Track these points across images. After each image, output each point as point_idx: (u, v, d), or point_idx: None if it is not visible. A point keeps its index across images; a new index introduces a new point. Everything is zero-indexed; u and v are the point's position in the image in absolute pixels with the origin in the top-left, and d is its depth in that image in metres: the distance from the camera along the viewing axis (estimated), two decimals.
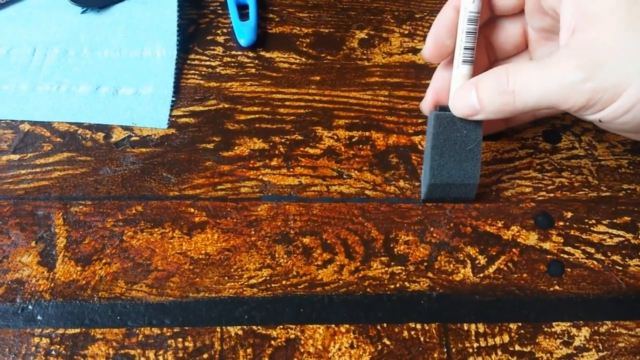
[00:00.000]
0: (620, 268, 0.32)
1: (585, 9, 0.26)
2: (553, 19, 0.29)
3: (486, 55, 0.33)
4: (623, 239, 0.33)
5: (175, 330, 0.28)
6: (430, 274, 0.31)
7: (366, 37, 0.39)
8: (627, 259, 0.32)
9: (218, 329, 0.28)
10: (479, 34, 0.31)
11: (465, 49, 0.30)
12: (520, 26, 0.32)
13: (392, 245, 0.32)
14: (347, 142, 0.35)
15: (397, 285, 0.31)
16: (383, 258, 0.31)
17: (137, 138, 0.34)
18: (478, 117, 0.30)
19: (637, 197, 0.34)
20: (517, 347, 0.29)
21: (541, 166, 0.35)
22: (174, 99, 0.35)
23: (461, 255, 0.32)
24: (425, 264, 0.31)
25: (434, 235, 0.32)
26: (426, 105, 0.33)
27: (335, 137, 0.35)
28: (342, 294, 0.30)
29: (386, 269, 0.31)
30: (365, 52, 0.39)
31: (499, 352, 0.29)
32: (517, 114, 0.29)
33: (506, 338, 0.29)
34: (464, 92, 0.30)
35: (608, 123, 0.27)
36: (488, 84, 0.29)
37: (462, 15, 0.30)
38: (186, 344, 0.28)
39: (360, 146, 0.35)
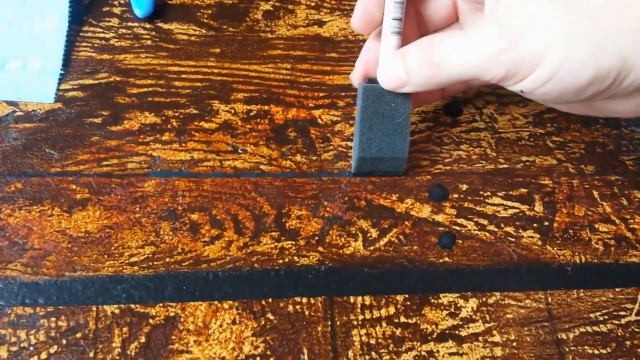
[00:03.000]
0: (513, 240, 0.32)
1: None
2: None
3: (417, 26, 0.32)
4: (518, 210, 0.33)
5: (48, 309, 0.27)
6: (320, 248, 0.31)
7: (271, 8, 0.38)
8: (520, 231, 0.32)
9: (94, 308, 0.28)
10: (408, 4, 0.30)
11: (393, 19, 0.29)
12: None
13: (283, 220, 0.31)
14: (245, 116, 0.34)
15: (286, 260, 0.30)
16: (274, 233, 0.31)
17: (22, 113, 0.32)
18: (405, 89, 0.29)
19: (535, 169, 0.34)
20: (402, 319, 0.29)
21: (440, 139, 0.34)
22: (62, 72, 0.34)
23: (353, 228, 0.31)
24: (317, 238, 0.31)
25: (328, 209, 0.32)
26: (355, 77, 0.32)
27: (233, 111, 0.34)
28: (228, 270, 0.29)
29: (276, 244, 0.30)
30: (269, 24, 0.38)
31: (384, 324, 0.29)
32: (443, 85, 0.28)
33: (392, 310, 0.29)
34: (391, 64, 0.29)
35: (530, 93, 0.27)
36: (414, 56, 0.28)
37: None
38: (59, 323, 0.27)
39: (258, 120, 0.34)
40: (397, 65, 0.29)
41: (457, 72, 0.27)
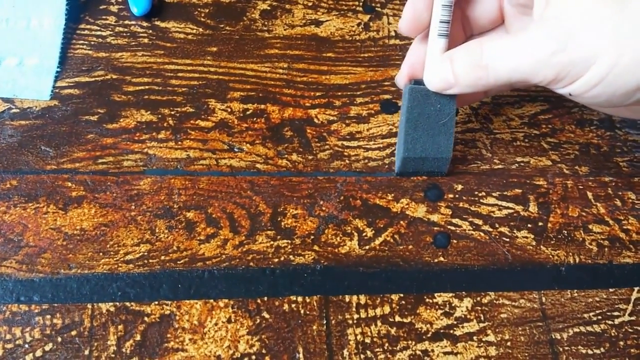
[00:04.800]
0: (508, 240, 0.32)
1: None
2: None
3: (462, 29, 0.33)
4: (512, 210, 0.33)
5: (44, 307, 0.27)
6: (316, 247, 0.31)
7: (268, 8, 0.38)
8: (515, 231, 0.32)
9: (89, 306, 0.28)
10: (455, 7, 0.30)
11: (441, 22, 0.30)
12: (497, 0, 0.32)
13: (279, 219, 0.31)
14: (241, 114, 0.34)
15: (282, 259, 0.30)
16: (269, 232, 0.31)
17: (18, 110, 0.32)
18: (452, 90, 0.29)
19: (530, 170, 0.34)
20: (397, 318, 0.29)
21: None
22: (59, 69, 0.34)
23: (349, 228, 0.31)
24: (312, 237, 0.31)
25: (323, 208, 0.32)
26: (401, 79, 0.33)
27: (229, 110, 0.34)
28: (223, 268, 0.29)
29: (272, 242, 0.30)
30: (266, 23, 0.38)
31: (379, 323, 0.29)
32: (491, 87, 0.29)
33: (387, 309, 0.29)
34: (439, 66, 0.29)
35: (579, 97, 0.27)
36: (462, 58, 0.28)
37: None
38: (54, 320, 0.27)
39: (255, 119, 0.34)
40: (445, 68, 0.29)
41: (505, 74, 0.27)
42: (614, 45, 0.24)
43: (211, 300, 0.29)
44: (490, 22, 0.33)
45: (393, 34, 0.39)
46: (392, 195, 0.33)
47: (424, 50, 0.31)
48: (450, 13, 0.30)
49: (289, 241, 0.31)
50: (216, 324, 0.28)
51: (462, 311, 0.30)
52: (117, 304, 0.28)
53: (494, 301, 0.30)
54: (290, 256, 0.30)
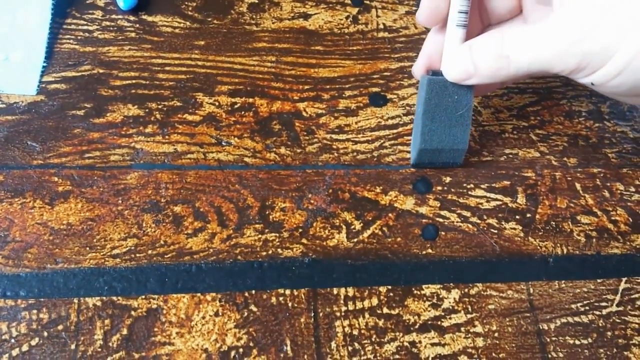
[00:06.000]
0: (496, 231, 0.32)
1: None
2: None
3: (479, 19, 0.32)
4: (501, 202, 0.33)
5: (30, 302, 0.27)
6: (304, 240, 0.31)
7: (256, 1, 0.38)
8: (503, 223, 0.32)
9: (75, 300, 0.28)
10: None
11: (459, 12, 0.30)
12: None
13: (267, 213, 0.31)
14: (229, 108, 0.34)
15: (270, 252, 0.30)
16: (257, 225, 0.31)
17: (4, 106, 0.32)
18: (471, 81, 0.29)
19: (519, 162, 0.34)
20: (385, 310, 0.29)
21: None
22: (45, 64, 0.34)
23: (337, 221, 0.31)
24: (300, 230, 0.31)
25: (312, 201, 0.32)
26: (418, 69, 0.32)
27: (217, 104, 0.34)
28: (211, 262, 0.29)
29: (260, 236, 0.30)
30: (254, 16, 0.38)
31: (367, 315, 0.29)
32: (511, 77, 0.28)
33: (375, 301, 0.29)
34: (458, 56, 0.29)
35: (600, 86, 0.27)
36: (483, 48, 0.28)
37: None
38: (41, 315, 0.27)
39: (243, 113, 0.34)
40: (464, 58, 0.29)
41: (527, 64, 0.27)
42: (635, 34, 0.24)
43: (198, 294, 0.28)
44: (509, 12, 0.32)
45: (382, 26, 0.38)
46: (381, 187, 0.33)
47: (441, 40, 0.31)
48: (469, 3, 0.30)
49: (277, 234, 0.31)
50: (203, 318, 0.28)
51: (449, 302, 0.30)
52: (104, 298, 0.28)
53: (482, 292, 0.30)
54: (279, 249, 0.30)
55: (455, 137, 0.31)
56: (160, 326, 0.27)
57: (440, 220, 0.32)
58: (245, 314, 0.28)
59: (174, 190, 0.31)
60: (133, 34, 0.36)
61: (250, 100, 0.35)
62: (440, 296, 0.30)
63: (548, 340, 0.29)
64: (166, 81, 0.34)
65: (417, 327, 0.29)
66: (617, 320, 0.30)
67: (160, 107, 0.33)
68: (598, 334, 0.30)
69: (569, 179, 0.34)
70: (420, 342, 0.28)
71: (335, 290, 0.29)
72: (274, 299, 0.29)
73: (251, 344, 0.28)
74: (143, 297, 0.28)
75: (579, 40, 0.25)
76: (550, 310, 0.30)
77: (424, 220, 0.32)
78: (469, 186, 0.33)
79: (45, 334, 0.27)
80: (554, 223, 0.33)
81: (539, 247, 0.32)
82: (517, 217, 0.33)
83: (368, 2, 0.39)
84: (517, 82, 0.37)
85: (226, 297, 0.29)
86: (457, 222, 0.32)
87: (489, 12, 0.33)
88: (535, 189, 0.34)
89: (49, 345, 0.26)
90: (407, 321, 0.29)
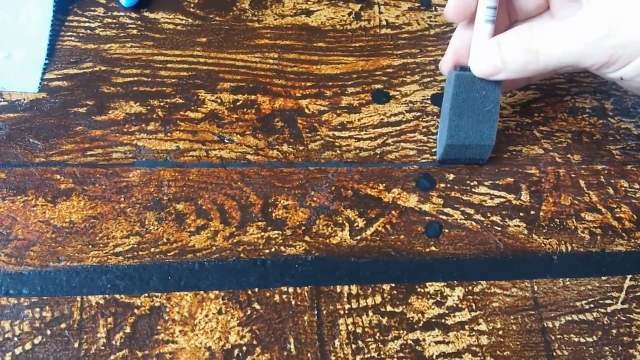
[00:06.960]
0: (500, 228, 0.32)
1: None
2: None
3: (507, 15, 0.32)
4: (504, 199, 0.33)
5: (33, 300, 0.27)
6: (307, 238, 0.30)
7: None
8: (507, 220, 0.32)
9: (78, 299, 0.27)
10: None
11: (488, 7, 0.30)
12: None
13: (270, 210, 0.31)
14: (231, 105, 0.34)
15: (273, 250, 0.30)
16: (260, 223, 0.31)
17: (6, 103, 0.32)
18: (499, 76, 0.29)
19: (522, 159, 0.34)
20: (388, 308, 0.29)
21: (427, 129, 0.34)
22: (47, 62, 0.34)
23: (340, 218, 0.31)
24: (303, 228, 0.31)
25: (315, 199, 0.32)
26: (445, 65, 0.32)
27: (219, 101, 0.34)
28: (214, 260, 0.29)
29: (262, 234, 0.30)
30: (256, 13, 0.37)
31: (370, 313, 0.29)
32: (539, 73, 0.28)
33: (378, 299, 0.29)
34: (487, 51, 0.29)
35: (629, 81, 0.27)
36: (512, 43, 0.28)
37: None
38: (44, 313, 0.27)
39: (245, 110, 0.34)
40: (493, 53, 0.29)
41: (556, 58, 0.27)
42: None
43: (201, 292, 0.28)
44: (536, 8, 0.32)
45: (384, 23, 0.38)
46: (384, 185, 0.32)
47: (468, 36, 0.31)
48: None
49: (280, 232, 0.30)
50: (207, 316, 0.28)
51: (453, 300, 0.30)
52: (107, 296, 0.28)
53: (486, 290, 0.30)
54: (281, 247, 0.30)
55: (482, 133, 0.31)
56: (164, 324, 0.27)
57: (444, 217, 0.32)
58: (249, 312, 0.28)
59: (177, 187, 0.31)
60: (135, 31, 0.35)
61: (253, 97, 0.34)
62: (444, 294, 0.30)
63: (553, 338, 0.29)
64: (168, 78, 0.34)
65: (421, 325, 0.29)
66: (622, 318, 0.30)
67: (162, 104, 0.33)
68: (603, 332, 0.30)
69: (572, 175, 0.34)
70: (424, 340, 0.28)
71: (338, 288, 0.29)
72: (277, 297, 0.29)
73: (254, 342, 0.27)
74: (146, 295, 0.28)
75: (609, 34, 0.25)
76: (555, 308, 0.30)
77: (427, 218, 0.32)
78: (472, 183, 0.33)
79: (49, 332, 0.27)
80: (558, 220, 0.32)
81: (543, 245, 0.32)
82: (521, 214, 0.32)
83: None
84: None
85: (229, 295, 0.28)
86: (460, 219, 0.32)
87: (516, 9, 0.33)
88: (539, 186, 0.33)
89: (52, 343, 0.26)
90: (411, 319, 0.29)
